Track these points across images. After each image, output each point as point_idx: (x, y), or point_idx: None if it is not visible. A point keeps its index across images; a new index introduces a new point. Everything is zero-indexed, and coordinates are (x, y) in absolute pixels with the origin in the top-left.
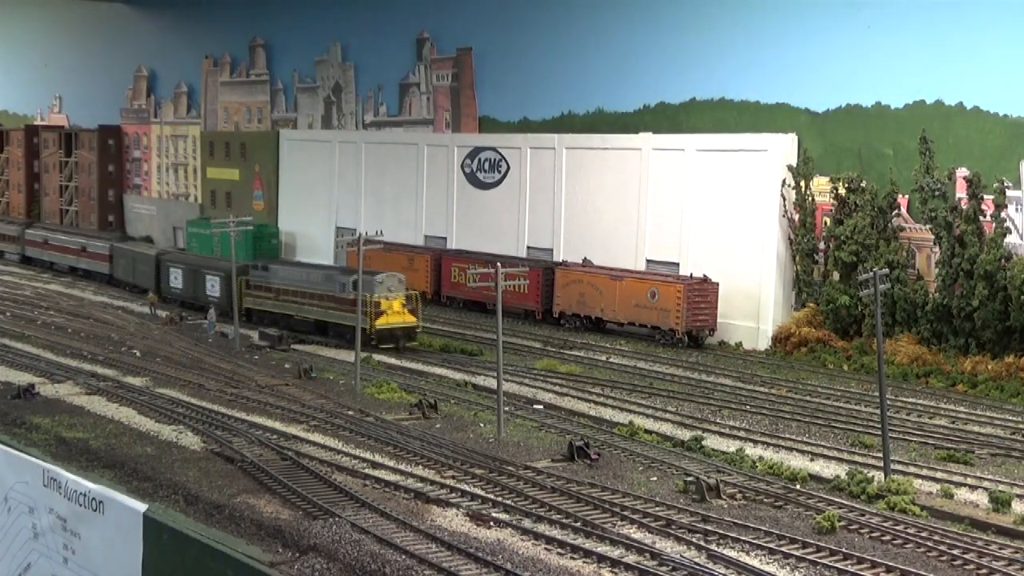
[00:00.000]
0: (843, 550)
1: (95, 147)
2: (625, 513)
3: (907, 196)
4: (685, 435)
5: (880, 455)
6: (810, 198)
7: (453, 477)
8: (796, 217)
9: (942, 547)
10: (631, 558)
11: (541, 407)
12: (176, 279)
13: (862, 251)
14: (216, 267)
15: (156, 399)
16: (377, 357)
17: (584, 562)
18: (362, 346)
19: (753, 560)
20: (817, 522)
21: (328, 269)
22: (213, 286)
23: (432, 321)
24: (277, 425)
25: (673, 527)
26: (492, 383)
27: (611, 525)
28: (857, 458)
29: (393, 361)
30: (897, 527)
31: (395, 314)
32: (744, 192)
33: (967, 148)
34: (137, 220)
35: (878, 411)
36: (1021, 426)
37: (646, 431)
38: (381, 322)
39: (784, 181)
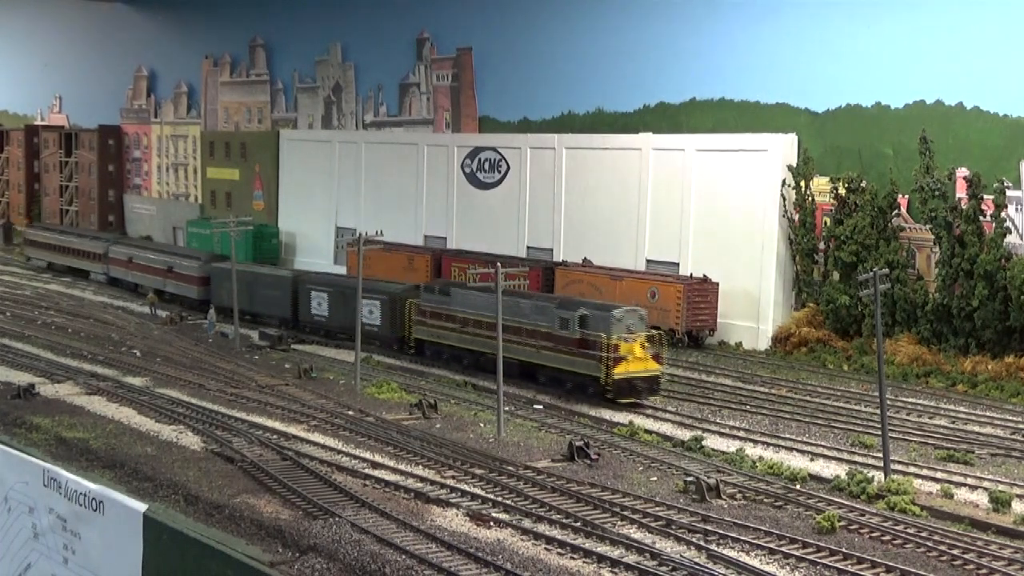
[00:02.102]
0: (843, 550)
1: (95, 147)
2: (625, 513)
3: (907, 196)
4: (685, 435)
5: (880, 455)
6: (810, 198)
7: (453, 477)
8: (796, 217)
9: (942, 547)
10: (631, 558)
11: (541, 407)
12: (320, 305)
13: (862, 251)
14: (375, 289)
15: (156, 399)
16: (377, 357)
17: (584, 562)
18: (594, 399)
19: (753, 560)
20: (817, 522)
21: (540, 298)
22: (372, 312)
23: None
24: (277, 425)
25: (673, 527)
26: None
27: (611, 525)
28: (857, 458)
29: (393, 361)
30: (897, 527)
31: (636, 360)
32: (744, 192)
33: (967, 148)
34: (137, 220)
35: (878, 411)
36: (1021, 426)
37: (646, 431)
38: (620, 370)
39: (784, 181)
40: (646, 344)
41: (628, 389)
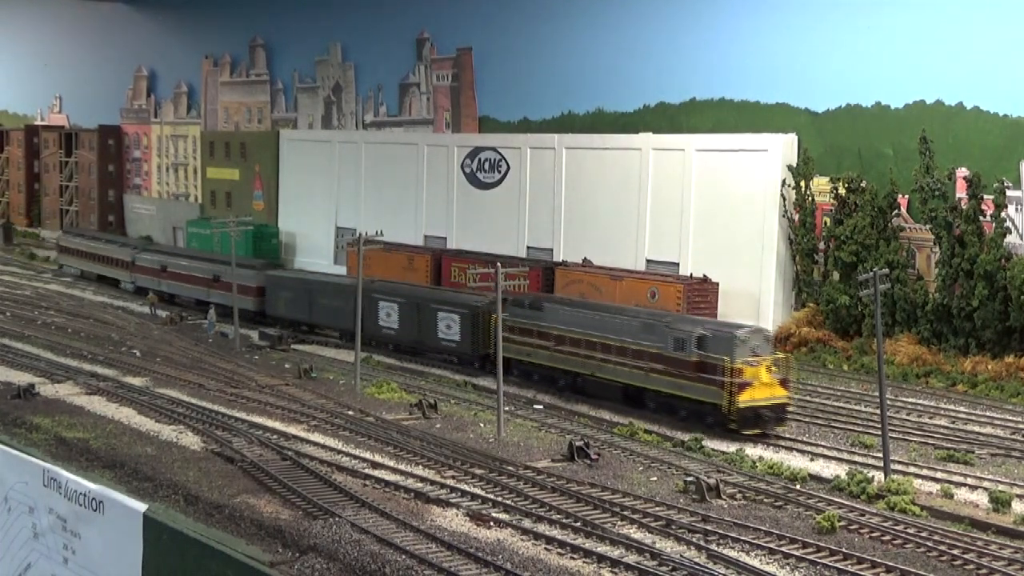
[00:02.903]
0: (843, 550)
1: (95, 147)
2: (625, 513)
3: (907, 196)
4: (685, 435)
5: (880, 455)
6: (810, 198)
7: (453, 477)
8: (796, 217)
9: (942, 547)
10: (631, 558)
11: (541, 407)
12: (389, 316)
13: (862, 251)
14: (453, 302)
15: (156, 399)
16: (377, 357)
17: (584, 562)
18: (716, 428)
19: (753, 560)
20: (817, 522)
21: (648, 315)
22: (450, 327)
23: None
24: (277, 425)
25: (673, 527)
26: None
27: (611, 525)
28: (857, 458)
29: (393, 361)
30: (897, 527)
31: (762, 386)
32: (744, 192)
33: (967, 148)
34: (137, 220)
35: (878, 411)
36: (1021, 426)
37: (646, 431)
38: (745, 398)
39: (784, 181)
40: (772, 368)
41: (754, 419)
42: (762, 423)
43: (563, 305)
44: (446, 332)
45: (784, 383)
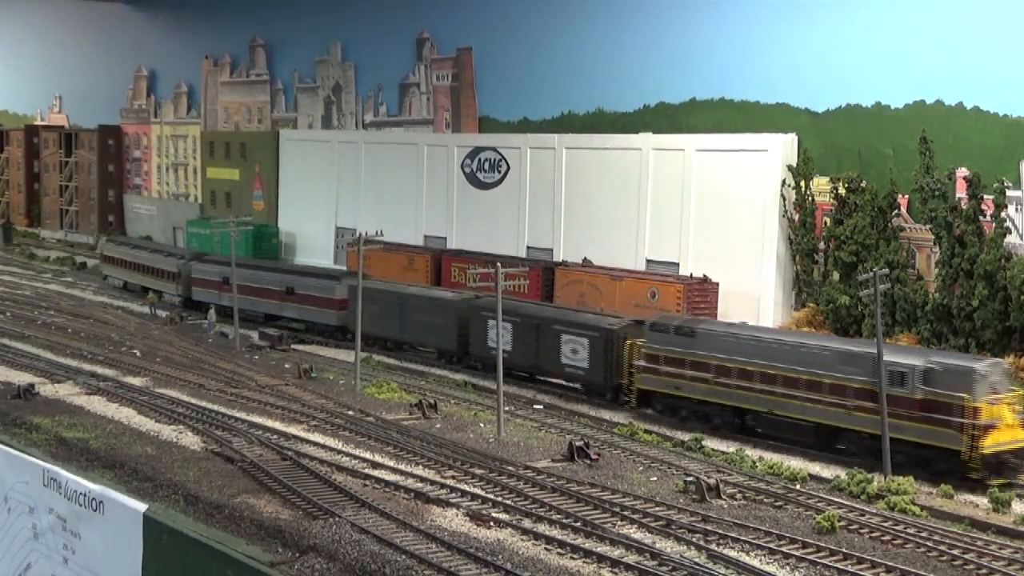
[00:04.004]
0: (843, 550)
1: (95, 147)
2: (625, 513)
3: (907, 196)
4: (685, 435)
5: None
6: (810, 198)
7: (453, 477)
8: (796, 217)
9: (942, 547)
10: (631, 558)
11: (541, 407)
12: (503, 337)
13: (862, 251)
14: (580, 323)
15: (156, 399)
16: (377, 357)
17: (584, 562)
18: (957, 478)
19: (753, 560)
20: (817, 522)
21: (843, 343)
22: (577, 352)
23: None
24: (277, 425)
25: (673, 527)
26: None
27: (611, 525)
28: (857, 458)
29: (393, 361)
30: (897, 527)
31: (1007, 428)
32: (744, 192)
33: (967, 148)
34: (137, 220)
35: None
36: None
37: (646, 431)
38: (990, 442)
39: (784, 181)
40: (1015, 406)
41: (998, 466)
42: (1008, 471)
43: (723, 330)
44: (571, 357)
45: None
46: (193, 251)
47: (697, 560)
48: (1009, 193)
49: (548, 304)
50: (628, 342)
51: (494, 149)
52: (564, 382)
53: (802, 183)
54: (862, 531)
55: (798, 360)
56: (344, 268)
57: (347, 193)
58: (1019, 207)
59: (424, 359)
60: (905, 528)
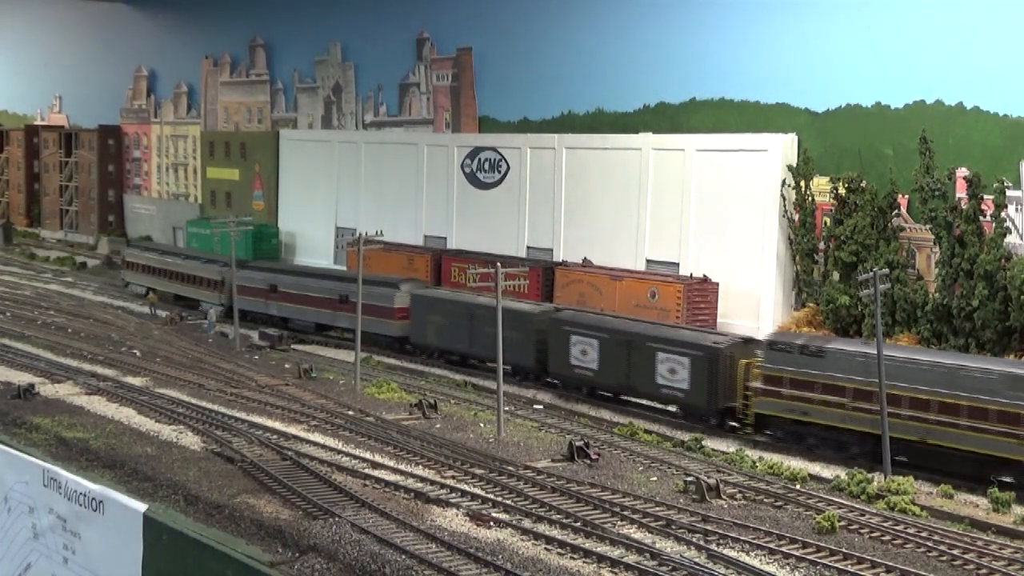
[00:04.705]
0: (843, 550)
1: (95, 147)
2: (625, 513)
3: (907, 196)
4: (685, 435)
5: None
6: (810, 198)
7: (453, 477)
8: (796, 217)
9: (942, 547)
10: (631, 558)
11: (541, 407)
12: (586, 354)
13: (862, 251)
14: (681, 342)
15: (156, 399)
16: (377, 357)
17: (584, 562)
18: None
19: (753, 560)
20: (817, 522)
21: (1008, 365)
22: (675, 372)
23: None
24: (277, 425)
25: (673, 527)
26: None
27: (611, 525)
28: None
29: (393, 361)
30: (897, 527)
31: None
32: (744, 192)
33: (967, 148)
34: (137, 220)
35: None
36: None
37: (646, 431)
38: None
39: (784, 181)
40: None
41: None
42: None
43: (854, 349)
44: (669, 378)
45: None
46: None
47: (697, 560)
48: (1009, 193)
49: (640, 319)
50: (743, 362)
51: (494, 149)
52: (658, 404)
53: (802, 183)
54: (862, 531)
55: (956, 384)
56: (408, 277)
57: (347, 193)
58: (1019, 207)
59: (425, 361)
60: (905, 528)
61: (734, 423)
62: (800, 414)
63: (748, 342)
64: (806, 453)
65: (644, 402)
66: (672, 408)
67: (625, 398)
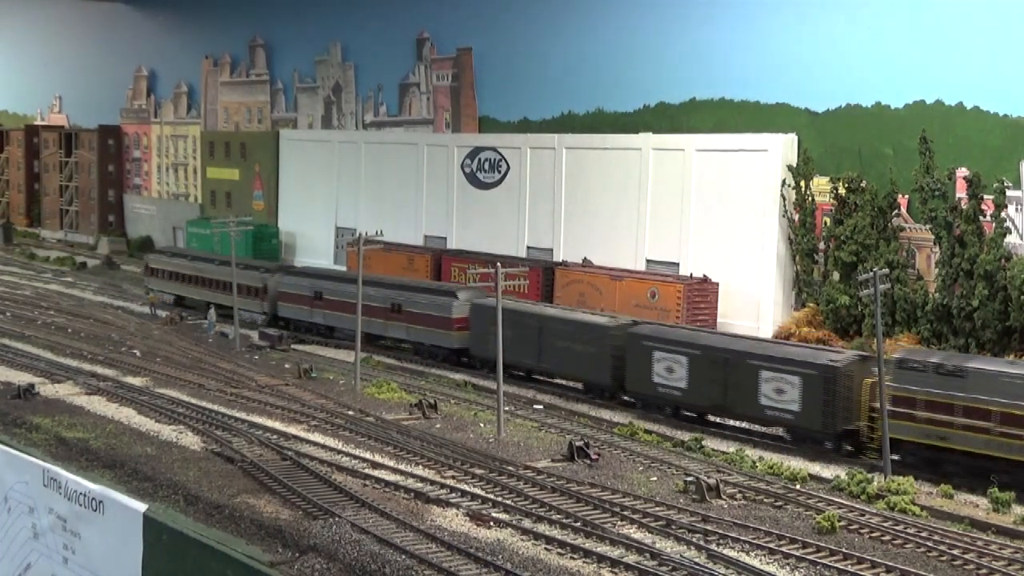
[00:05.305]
0: (843, 550)
1: (95, 147)
2: (625, 513)
3: (907, 196)
4: (685, 435)
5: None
6: (810, 198)
7: (453, 477)
8: (796, 217)
9: (942, 547)
10: (631, 558)
11: (541, 407)
12: (672, 372)
13: (862, 251)
14: (790, 359)
15: (156, 399)
16: (377, 357)
17: (584, 562)
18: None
19: (753, 560)
20: (817, 522)
21: None
22: (783, 392)
23: None
24: (277, 425)
25: (673, 527)
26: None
27: (611, 525)
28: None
29: (393, 361)
30: (897, 527)
31: None
32: (744, 192)
33: (967, 148)
34: (137, 220)
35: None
36: None
37: (646, 431)
38: None
39: (784, 181)
40: None
41: None
42: None
43: (998, 369)
44: (775, 399)
45: None
46: (277, 263)
47: (697, 560)
48: (1009, 193)
49: (736, 335)
50: (868, 381)
51: (494, 149)
52: (761, 427)
53: (802, 183)
54: (862, 531)
55: None
56: (466, 285)
57: (347, 193)
58: (1019, 207)
59: (426, 361)
60: (905, 528)
61: (851, 447)
62: (937, 439)
63: (865, 359)
64: (804, 453)
65: (743, 424)
66: (778, 431)
67: (717, 419)
